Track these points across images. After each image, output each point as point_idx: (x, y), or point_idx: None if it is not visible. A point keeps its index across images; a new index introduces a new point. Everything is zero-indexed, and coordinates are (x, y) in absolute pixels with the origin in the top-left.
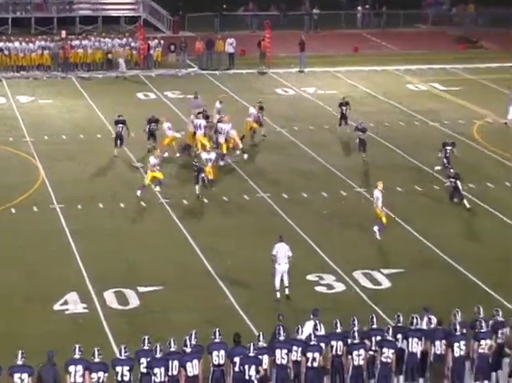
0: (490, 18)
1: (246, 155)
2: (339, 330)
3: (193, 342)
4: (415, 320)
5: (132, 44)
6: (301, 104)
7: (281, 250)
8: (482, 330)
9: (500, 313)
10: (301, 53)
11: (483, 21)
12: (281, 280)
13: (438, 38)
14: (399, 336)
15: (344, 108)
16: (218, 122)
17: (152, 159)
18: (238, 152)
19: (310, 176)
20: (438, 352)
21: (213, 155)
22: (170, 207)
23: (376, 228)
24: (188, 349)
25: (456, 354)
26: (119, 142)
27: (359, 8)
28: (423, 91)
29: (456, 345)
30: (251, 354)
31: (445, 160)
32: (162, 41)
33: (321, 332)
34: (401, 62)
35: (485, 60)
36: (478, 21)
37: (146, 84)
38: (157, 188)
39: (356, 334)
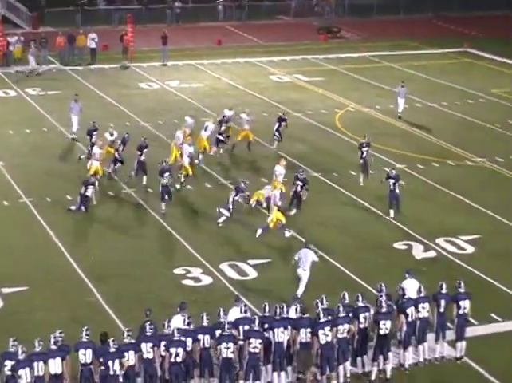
0: (350, 8)
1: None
2: (205, 323)
3: (58, 340)
4: (278, 309)
5: None
6: (165, 98)
7: (305, 256)
8: (339, 315)
9: (360, 298)
10: (163, 46)
11: (344, 11)
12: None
13: (300, 29)
14: (266, 326)
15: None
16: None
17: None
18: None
19: (176, 170)
20: (303, 340)
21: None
22: (33, 206)
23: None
24: (54, 347)
25: (322, 341)
26: None
27: (220, 1)
28: (286, 82)
29: (321, 332)
30: (112, 350)
31: (361, 162)
32: (22, 38)
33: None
34: (264, 54)
35: (346, 50)
36: (338, 11)
37: (6, 81)
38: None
39: (226, 326)
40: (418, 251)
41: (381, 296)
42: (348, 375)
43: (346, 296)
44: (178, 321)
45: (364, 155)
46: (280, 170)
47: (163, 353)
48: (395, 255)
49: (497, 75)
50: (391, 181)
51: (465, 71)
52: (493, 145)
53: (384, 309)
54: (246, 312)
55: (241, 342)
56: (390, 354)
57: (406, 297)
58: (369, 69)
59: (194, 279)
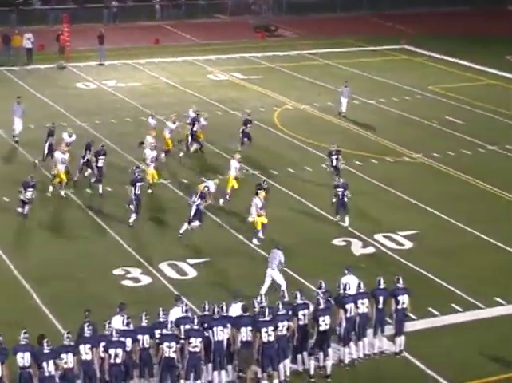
0: (287, 6)
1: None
2: (144, 323)
3: None
4: (216, 308)
5: None
6: (102, 98)
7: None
8: (279, 313)
9: (299, 295)
10: (100, 46)
11: (281, 9)
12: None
13: (237, 28)
14: (206, 325)
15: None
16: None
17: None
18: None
19: (114, 170)
20: (244, 339)
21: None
22: None
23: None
24: None
25: (264, 339)
26: None
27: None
28: (224, 80)
29: (264, 330)
30: (46, 351)
31: (332, 169)
32: None
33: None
34: (201, 53)
35: (283, 48)
36: (275, 9)
37: None
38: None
39: (169, 325)
40: (357, 248)
41: (318, 293)
42: (288, 373)
43: (285, 293)
44: (117, 322)
45: (334, 163)
46: (234, 164)
47: (102, 355)
48: (334, 252)
49: (433, 72)
50: (340, 190)
51: (402, 68)
52: (430, 141)
53: (322, 306)
54: (186, 311)
55: (182, 342)
56: (330, 350)
57: (345, 293)
58: (307, 67)
59: (134, 280)
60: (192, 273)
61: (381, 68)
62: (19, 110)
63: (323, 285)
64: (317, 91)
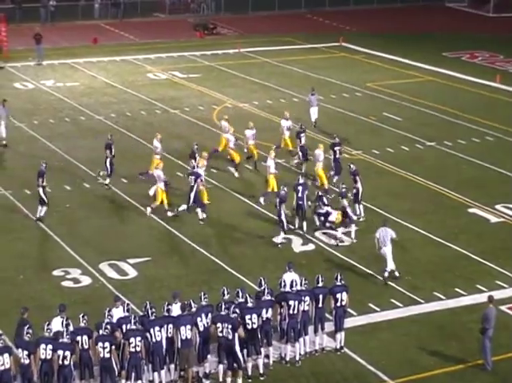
0: (225, 4)
1: None
2: (82, 324)
3: None
4: (151, 309)
5: None
6: (41, 98)
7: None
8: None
9: (241, 293)
10: (37, 45)
11: (219, 8)
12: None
13: (176, 27)
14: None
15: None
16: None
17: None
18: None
19: (52, 170)
20: (184, 337)
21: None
22: None
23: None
24: None
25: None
26: None
27: None
28: (163, 79)
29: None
30: None
31: (332, 164)
32: None
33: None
34: (140, 52)
35: (222, 46)
36: (213, 7)
37: None
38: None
39: (108, 326)
40: (296, 245)
41: (238, 292)
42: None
43: (225, 291)
44: (57, 324)
45: (337, 155)
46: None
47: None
48: (274, 249)
49: (371, 69)
50: (300, 188)
51: (340, 65)
52: (369, 138)
53: (250, 304)
54: (128, 311)
55: (122, 341)
56: (262, 349)
57: (286, 289)
58: (246, 65)
59: (74, 280)
60: (133, 273)
61: (319, 65)
62: (3, 113)
63: (263, 282)
64: (253, 89)
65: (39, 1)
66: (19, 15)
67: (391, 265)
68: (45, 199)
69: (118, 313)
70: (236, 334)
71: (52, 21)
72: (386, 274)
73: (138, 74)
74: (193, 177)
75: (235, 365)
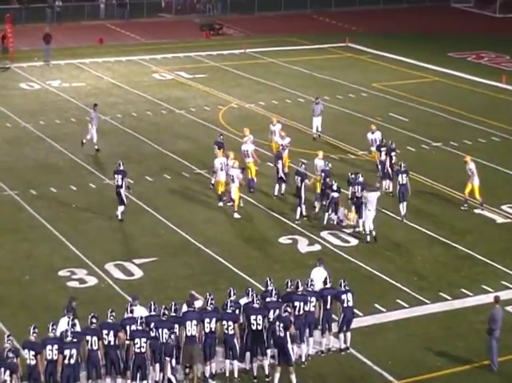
0: (232, 5)
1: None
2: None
3: None
4: (163, 310)
5: None
6: (47, 98)
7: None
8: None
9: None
10: (46, 45)
11: (225, 8)
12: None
13: (182, 27)
14: (152, 325)
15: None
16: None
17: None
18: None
19: (58, 170)
20: (189, 333)
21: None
22: None
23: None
24: None
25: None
26: None
27: None
28: (169, 80)
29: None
30: None
31: (389, 170)
32: None
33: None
34: (146, 52)
35: (228, 46)
36: (219, 8)
37: None
38: None
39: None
40: (303, 245)
41: (248, 291)
42: (236, 371)
43: (232, 292)
44: (63, 324)
45: (393, 160)
46: (320, 163)
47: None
48: (280, 249)
49: (377, 69)
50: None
51: (346, 65)
52: None
53: (256, 305)
54: (154, 311)
55: (127, 342)
56: (269, 351)
57: (295, 290)
58: (251, 65)
59: (80, 281)
60: (139, 273)
61: (325, 66)
62: (95, 117)
63: (270, 283)
64: (259, 89)
65: (45, 1)
66: (25, 15)
67: (370, 226)
68: (124, 199)
69: (141, 311)
70: (288, 333)
71: (58, 22)
72: (368, 239)
73: (144, 75)
74: (299, 178)
75: (287, 362)
